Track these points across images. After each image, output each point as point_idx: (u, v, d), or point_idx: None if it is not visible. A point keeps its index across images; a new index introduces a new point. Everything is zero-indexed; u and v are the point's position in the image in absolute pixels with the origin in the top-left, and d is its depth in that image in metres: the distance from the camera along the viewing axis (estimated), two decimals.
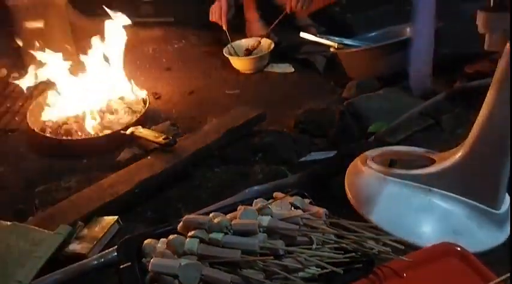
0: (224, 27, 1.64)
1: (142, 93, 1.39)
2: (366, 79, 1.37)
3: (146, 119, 1.29)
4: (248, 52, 1.67)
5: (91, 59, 1.39)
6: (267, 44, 1.66)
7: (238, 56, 1.66)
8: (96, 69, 1.38)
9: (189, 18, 2.01)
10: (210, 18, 1.66)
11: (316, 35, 1.65)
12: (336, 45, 1.53)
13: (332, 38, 1.57)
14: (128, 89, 1.40)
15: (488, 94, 0.70)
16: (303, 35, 1.63)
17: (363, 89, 1.34)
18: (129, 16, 1.92)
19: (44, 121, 1.30)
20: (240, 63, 1.62)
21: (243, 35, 1.80)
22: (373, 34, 1.56)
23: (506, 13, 0.66)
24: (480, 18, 0.70)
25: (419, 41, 1.02)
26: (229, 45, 1.66)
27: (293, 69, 1.64)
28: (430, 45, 1.00)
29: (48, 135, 1.25)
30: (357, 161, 0.90)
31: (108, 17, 1.41)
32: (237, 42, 1.69)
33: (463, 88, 1.12)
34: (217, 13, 1.62)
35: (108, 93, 1.36)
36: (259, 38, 1.69)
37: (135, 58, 1.77)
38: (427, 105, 1.11)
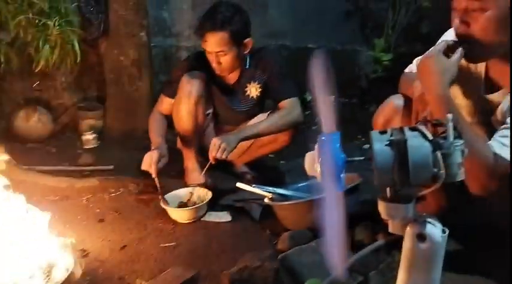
0: (153, 176, 1.66)
1: (65, 258, 1.28)
2: (299, 230, 1.41)
3: None
4: (184, 203, 1.68)
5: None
6: (204, 193, 1.70)
7: (175, 206, 1.66)
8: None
9: (130, 166, 2.05)
10: (141, 167, 1.69)
11: (251, 184, 1.73)
12: (270, 195, 1.60)
13: (266, 188, 1.65)
14: (50, 251, 1.30)
15: (399, 273, 0.73)
16: (238, 184, 1.70)
17: (297, 241, 1.36)
18: (67, 165, 1.94)
19: None
20: (176, 214, 1.62)
21: (182, 183, 1.84)
22: (306, 183, 1.65)
23: (402, 205, 0.74)
24: (380, 206, 0.77)
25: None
26: (165, 196, 1.66)
27: (230, 218, 1.66)
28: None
29: None
30: None
31: None
32: (174, 191, 1.71)
33: (385, 243, 1.18)
34: (147, 161, 1.66)
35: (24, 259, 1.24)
36: (196, 188, 1.73)
37: (66, 210, 1.70)
38: (355, 261, 1.14)
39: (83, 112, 2.49)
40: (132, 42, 2.43)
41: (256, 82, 1.88)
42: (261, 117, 1.88)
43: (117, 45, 2.43)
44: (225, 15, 1.67)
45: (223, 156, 1.63)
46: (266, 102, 2.00)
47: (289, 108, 1.76)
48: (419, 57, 1.09)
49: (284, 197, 1.62)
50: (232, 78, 1.86)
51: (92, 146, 2.33)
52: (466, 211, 1.35)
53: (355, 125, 2.59)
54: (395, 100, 1.23)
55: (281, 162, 2.21)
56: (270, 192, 1.63)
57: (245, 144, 1.91)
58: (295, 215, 1.47)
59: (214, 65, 1.74)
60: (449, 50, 1.02)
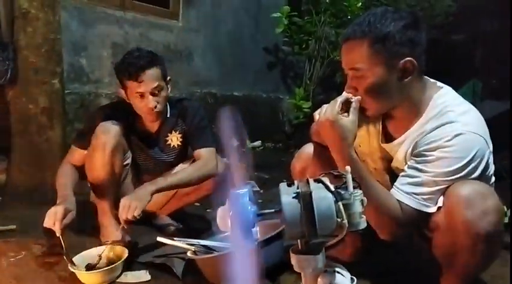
0: (57, 234, 1.47)
1: None
2: None
3: None
4: (96, 264, 1.52)
5: None
6: (120, 251, 1.56)
7: (85, 268, 1.49)
8: None
9: (36, 224, 1.83)
10: (44, 224, 1.48)
11: (174, 237, 1.63)
12: (193, 248, 1.52)
13: (189, 240, 1.56)
14: None
15: None
16: (159, 239, 1.59)
17: None
18: None
19: None
20: (87, 278, 1.44)
21: (97, 241, 1.68)
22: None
23: (312, 256, 0.75)
24: (292, 259, 0.78)
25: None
26: (75, 257, 1.49)
27: (149, 277, 1.52)
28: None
29: None
30: None
31: None
32: (86, 251, 1.54)
33: None
34: (51, 218, 1.46)
35: None
36: (110, 246, 1.58)
37: None
38: None
39: None
40: (43, 89, 2.27)
41: (177, 132, 1.84)
42: (182, 166, 1.82)
43: (26, 93, 2.26)
44: (150, 55, 1.67)
45: (135, 214, 1.51)
46: (189, 151, 1.96)
47: (205, 159, 1.75)
48: (318, 111, 1.11)
49: (209, 249, 1.55)
50: (153, 127, 1.81)
51: None
52: (380, 253, 1.40)
53: (281, 169, 2.65)
54: (309, 148, 1.27)
55: (207, 210, 2.14)
56: (193, 245, 1.54)
57: (167, 194, 1.82)
58: (220, 269, 1.39)
59: (150, 105, 1.65)
60: (345, 104, 1.08)
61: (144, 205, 1.55)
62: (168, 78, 1.75)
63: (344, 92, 1.10)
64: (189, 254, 1.50)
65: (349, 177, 0.72)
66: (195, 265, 1.48)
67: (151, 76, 1.63)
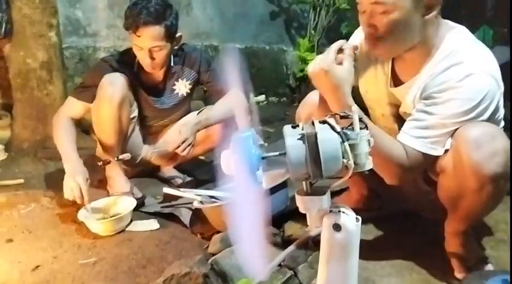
0: (85, 204, 1.49)
1: None
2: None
3: None
4: (106, 214, 1.55)
5: None
6: (128, 201, 1.58)
7: (96, 218, 1.52)
8: None
9: (42, 178, 1.86)
10: (65, 196, 1.48)
11: (180, 188, 1.65)
12: (199, 198, 1.54)
13: (195, 191, 1.58)
14: None
15: (319, 264, 0.72)
16: (165, 189, 1.61)
17: (228, 242, 1.31)
18: None
19: None
20: (97, 227, 1.48)
21: (104, 193, 1.70)
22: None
23: (318, 197, 0.74)
24: (298, 201, 0.77)
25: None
26: (85, 207, 1.52)
27: (158, 225, 1.55)
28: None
29: None
30: None
31: None
32: (95, 202, 1.57)
33: (310, 239, 1.17)
34: (73, 191, 1.46)
35: None
36: (120, 196, 1.61)
37: None
38: (284, 257, 1.12)
39: None
40: (41, 43, 2.21)
41: (185, 80, 1.80)
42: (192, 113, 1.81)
43: (23, 47, 2.20)
44: (159, 9, 1.56)
45: (185, 153, 1.60)
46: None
47: (235, 94, 1.70)
48: (314, 61, 1.05)
49: (215, 199, 1.57)
50: (159, 76, 1.76)
51: None
52: (387, 198, 1.41)
53: (286, 122, 2.62)
54: (314, 96, 1.24)
55: (212, 162, 2.14)
56: (199, 195, 1.56)
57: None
58: (226, 217, 1.41)
59: (146, 61, 1.61)
60: (339, 52, 1.02)
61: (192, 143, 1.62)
62: (178, 34, 1.66)
63: (339, 41, 1.05)
64: (195, 204, 1.52)
65: (356, 116, 0.70)
66: (202, 214, 1.51)
67: (151, 35, 1.56)
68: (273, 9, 3.98)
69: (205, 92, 1.94)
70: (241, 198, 0.70)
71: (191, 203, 1.57)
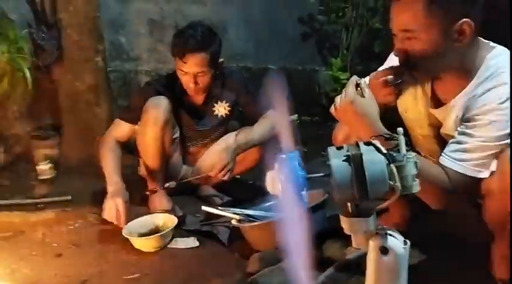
0: (121, 226, 1.56)
1: None
2: (268, 250, 1.38)
3: None
4: (148, 231, 1.61)
5: None
6: (169, 219, 1.63)
7: (138, 234, 1.58)
8: None
9: (88, 195, 1.96)
10: (104, 216, 1.57)
11: (218, 207, 1.69)
12: (237, 217, 1.57)
13: (233, 209, 1.61)
14: None
15: None
16: (204, 208, 1.65)
17: (267, 262, 1.33)
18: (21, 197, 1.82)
19: None
20: (140, 243, 1.54)
21: (145, 210, 1.77)
22: (275, 202, 1.62)
23: (364, 219, 0.75)
24: (343, 222, 0.78)
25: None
26: (127, 225, 1.58)
27: (198, 243, 1.59)
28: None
29: None
30: None
31: None
32: (137, 219, 1.63)
33: (348, 262, 1.17)
34: (113, 212, 1.55)
35: None
36: (161, 214, 1.67)
37: (20, 246, 1.58)
38: (323, 279, 1.12)
39: (37, 142, 2.36)
40: (88, 67, 2.35)
41: (224, 102, 1.87)
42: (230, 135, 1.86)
43: (72, 71, 2.35)
44: (205, 37, 1.66)
45: (226, 178, 1.67)
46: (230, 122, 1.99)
47: (273, 116, 1.75)
48: (335, 102, 1.08)
49: (252, 218, 1.59)
50: (200, 99, 1.84)
51: (47, 177, 2.20)
52: (427, 221, 1.39)
53: (318, 142, 2.63)
54: None
55: (249, 182, 2.18)
56: (237, 214, 1.59)
57: None
58: (264, 236, 1.44)
59: (190, 85, 1.71)
60: (356, 87, 1.05)
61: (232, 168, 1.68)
62: (221, 60, 1.76)
63: (353, 77, 1.07)
64: (233, 222, 1.56)
65: (402, 138, 0.70)
66: (240, 233, 1.54)
67: (196, 61, 1.65)
68: (305, 30, 4.05)
69: (241, 113, 2.00)
70: (287, 217, 0.71)
71: (229, 222, 1.60)
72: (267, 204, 1.64)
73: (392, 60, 1.21)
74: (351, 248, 1.26)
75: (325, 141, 2.35)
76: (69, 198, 1.96)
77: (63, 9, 2.30)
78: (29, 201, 1.96)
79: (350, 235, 1.32)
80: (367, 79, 1.21)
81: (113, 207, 1.55)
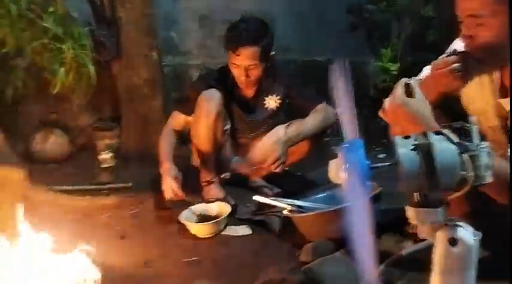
0: (184, 198, 1.69)
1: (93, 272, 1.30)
2: (321, 241, 1.41)
3: None
4: (203, 217, 1.69)
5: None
6: (223, 207, 1.71)
7: (195, 220, 1.67)
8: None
9: (147, 182, 2.08)
10: (166, 198, 1.72)
11: (269, 197, 1.74)
12: (288, 207, 1.61)
13: (284, 200, 1.65)
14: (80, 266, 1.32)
15: (432, 279, 0.72)
16: (256, 197, 1.71)
17: (319, 252, 1.36)
18: (85, 184, 1.97)
19: None
20: (196, 229, 1.63)
21: (200, 198, 1.85)
22: (324, 194, 1.65)
23: (431, 209, 0.74)
24: (409, 212, 0.76)
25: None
26: (186, 210, 1.68)
27: (250, 231, 1.66)
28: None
29: None
30: None
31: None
32: (194, 206, 1.72)
33: (401, 258, 1.17)
34: (170, 190, 1.69)
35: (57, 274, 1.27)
36: (215, 202, 1.74)
37: (88, 228, 1.72)
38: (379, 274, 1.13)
39: (99, 133, 2.53)
40: (144, 62, 2.48)
41: (275, 95, 1.91)
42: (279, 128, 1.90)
43: (130, 66, 2.49)
44: (258, 30, 1.71)
45: (279, 170, 1.70)
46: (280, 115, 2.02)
47: (324, 110, 1.79)
48: (384, 104, 1.04)
49: (302, 208, 1.63)
50: (250, 92, 1.90)
51: (109, 165, 2.35)
52: (489, 216, 1.34)
53: (368, 135, 2.59)
54: None
55: (298, 174, 2.21)
56: (288, 204, 1.63)
57: None
58: (316, 227, 1.47)
59: (241, 78, 1.76)
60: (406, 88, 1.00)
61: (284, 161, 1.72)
62: (272, 53, 1.79)
63: (402, 79, 1.03)
64: (285, 212, 1.60)
65: (475, 127, 0.68)
66: (291, 223, 1.58)
67: (249, 54, 1.70)
68: (353, 20, 3.97)
69: (289, 106, 2.02)
70: (351, 206, 0.71)
71: (281, 212, 1.65)
72: (318, 195, 1.67)
73: (456, 48, 1.17)
74: (407, 242, 1.27)
75: (374, 134, 2.33)
76: (130, 184, 2.10)
77: (121, 7, 2.43)
78: (93, 186, 2.12)
79: (406, 230, 1.32)
80: (416, 78, 1.19)
81: (168, 186, 1.69)
